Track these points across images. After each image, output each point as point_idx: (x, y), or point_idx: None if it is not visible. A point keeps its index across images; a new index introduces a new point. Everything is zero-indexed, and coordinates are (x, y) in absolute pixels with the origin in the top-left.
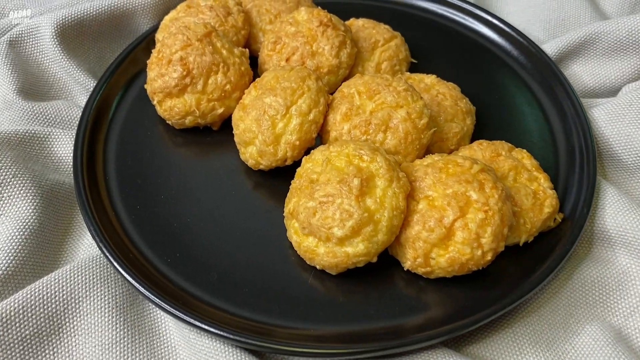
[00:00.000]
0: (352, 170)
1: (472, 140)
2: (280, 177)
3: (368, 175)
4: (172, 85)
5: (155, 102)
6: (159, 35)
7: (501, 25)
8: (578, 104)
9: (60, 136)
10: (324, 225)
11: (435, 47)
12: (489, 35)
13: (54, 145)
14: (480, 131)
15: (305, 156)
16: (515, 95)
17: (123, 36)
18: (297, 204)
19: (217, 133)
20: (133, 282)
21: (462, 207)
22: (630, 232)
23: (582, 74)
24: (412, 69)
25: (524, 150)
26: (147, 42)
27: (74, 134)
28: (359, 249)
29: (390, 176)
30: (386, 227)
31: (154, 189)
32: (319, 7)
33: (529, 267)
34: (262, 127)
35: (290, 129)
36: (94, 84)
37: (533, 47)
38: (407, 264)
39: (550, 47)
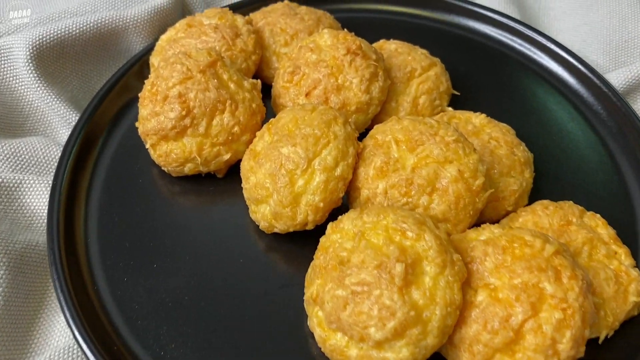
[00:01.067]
0: (393, 252)
1: (530, 197)
2: (298, 239)
3: (414, 259)
4: (168, 128)
5: (148, 146)
6: (154, 60)
7: (556, 49)
8: None
9: (33, 185)
10: (357, 322)
11: (478, 75)
12: (542, 62)
13: (26, 196)
14: (538, 183)
15: (331, 222)
16: (577, 137)
17: (112, 58)
18: (321, 289)
19: (222, 181)
20: None
21: (534, 303)
22: None
23: None
24: (454, 102)
25: (597, 216)
26: (140, 65)
27: (50, 181)
28: (403, 355)
29: (442, 260)
30: (437, 329)
31: (145, 255)
32: (345, 30)
33: None
34: (277, 184)
35: (312, 188)
36: (77, 117)
37: (596, 77)
38: None
39: (617, 78)
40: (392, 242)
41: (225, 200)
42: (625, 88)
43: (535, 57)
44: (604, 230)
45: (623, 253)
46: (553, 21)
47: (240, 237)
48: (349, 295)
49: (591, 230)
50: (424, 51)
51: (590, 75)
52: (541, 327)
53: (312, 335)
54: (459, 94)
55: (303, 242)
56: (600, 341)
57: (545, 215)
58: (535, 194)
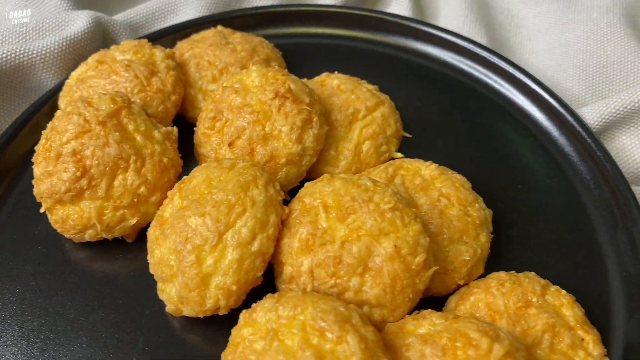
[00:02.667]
0: (308, 358)
1: (488, 262)
2: (218, 317)
3: None
4: (62, 190)
5: (43, 209)
6: (61, 102)
7: (525, 79)
8: (635, 207)
9: None
10: None
11: (435, 111)
12: (509, 95)
13: None
14: (497, 244)
15: (244, 310)
16: (546, 188)
17: (20, 96)
18: None
19: (133, 246)
20: None
21: None
22: None
23: (633, 148)
24: (405, 145)
25: (563, 292)
26: (51, 104)
27: None
28: None
29: None
30: None
31: (36, 341)
32: (276, 67)
33: None
34: (182, 263)
35: (223, 267)
36: None
37: (569, 113)
38: None
39: (592, 114)
40: (309, 345)
41: (135, 271)
42: (600, 126)
43: (501, 89)
44: (570, 311)
45: (591, 341)
46: (526, 41)
47: (150, 317)
48: None
49: (554, 312)
50: (371, 87)
51: (562, 111)
52: None
53: None
54: (410, 136)
55: (224, 318)
56: None
57: (501, 294)
58: (494, 258)
